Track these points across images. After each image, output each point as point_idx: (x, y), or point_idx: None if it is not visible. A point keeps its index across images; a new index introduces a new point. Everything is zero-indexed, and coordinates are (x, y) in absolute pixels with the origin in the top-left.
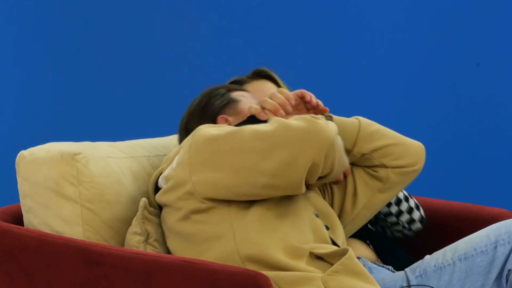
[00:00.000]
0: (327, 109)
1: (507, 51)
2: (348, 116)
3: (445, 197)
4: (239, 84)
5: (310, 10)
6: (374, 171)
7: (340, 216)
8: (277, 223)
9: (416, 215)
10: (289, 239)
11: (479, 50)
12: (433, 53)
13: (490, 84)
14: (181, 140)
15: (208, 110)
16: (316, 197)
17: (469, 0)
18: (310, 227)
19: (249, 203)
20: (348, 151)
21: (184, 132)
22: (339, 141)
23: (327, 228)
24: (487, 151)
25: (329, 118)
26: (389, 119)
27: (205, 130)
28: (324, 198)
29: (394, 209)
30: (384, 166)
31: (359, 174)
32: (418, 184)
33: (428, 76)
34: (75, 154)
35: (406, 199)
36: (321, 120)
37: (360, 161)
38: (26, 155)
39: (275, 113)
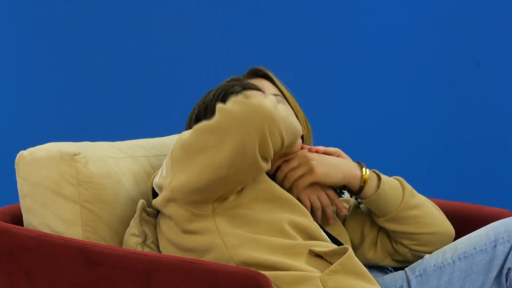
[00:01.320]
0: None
1: (507, 51)
2: (349, 119)
3: (445, 197)
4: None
5: (310, 10)
6: (395, 243)
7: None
8: (263, 226)
9: None
10: (280, 239)
11: (479, 50)
12: (433, 53)
13: (490, 84)
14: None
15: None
16: None
17: (469, 0)
18: (297, 230)
19: (230, 208)
20: (375, 216)
21: (195, 120)
22: (279, 110)
23: (329, 233)
24: (487, 151)
25: (377, 178)
26: (389, 119)
27: (182, 135)
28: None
29: None
30: (403, 246)
31: (383, 238)
32: (418, 184)
33: (428, 76)
34: (74, 154)
35: None
36: (254, 97)
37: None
38: (25, 155)
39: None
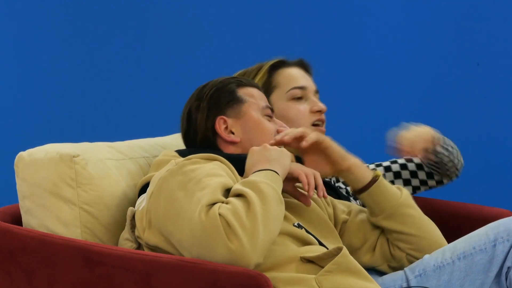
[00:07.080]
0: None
1: (507, 51)
2: (349, 118)
3: (445, 197)
4: (282, 64)
5: (310, 9)
6: (392, 247)
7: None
8: None
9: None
10: (270, 253)
11: (479, 50)
12: (433, 53)
13: (490, 84)
14: (181, 127)
15: (213, 105)
16: (305, 209)
17: (469, 0)
18: (288, 238)
19: None
20: (372, 215)
21: (186, 118)
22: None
23: (316, 238)
24: (487, 151)
25: (376, 179)
26: (389, 119)
27: (170, 184)
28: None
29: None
30: (400, 250)
31: (382, 243)
32: None
33: (428, 76)
34: (73, 156)
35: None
36: (247, 243)
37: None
38: (24, 156)
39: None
